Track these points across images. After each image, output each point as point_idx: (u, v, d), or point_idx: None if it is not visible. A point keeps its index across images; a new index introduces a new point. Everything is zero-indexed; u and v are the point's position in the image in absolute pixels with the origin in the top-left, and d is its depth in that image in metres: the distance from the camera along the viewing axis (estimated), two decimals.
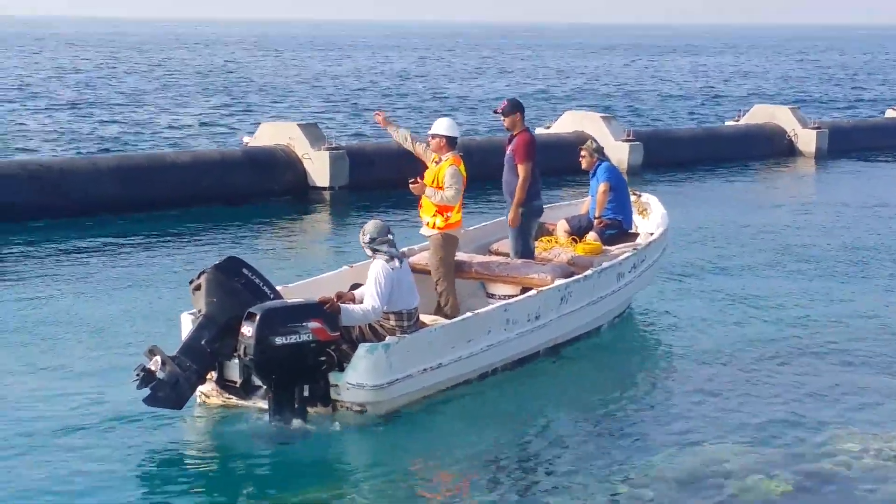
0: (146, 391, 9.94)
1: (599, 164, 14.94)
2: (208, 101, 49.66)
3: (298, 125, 23.96)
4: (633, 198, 15.52)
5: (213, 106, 47.09)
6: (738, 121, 34.18)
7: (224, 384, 10.40)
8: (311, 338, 9.98)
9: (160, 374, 9.92)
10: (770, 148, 32.32)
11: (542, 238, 14.59)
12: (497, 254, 14.18)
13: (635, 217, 15.42)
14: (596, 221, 14.73)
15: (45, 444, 9.79)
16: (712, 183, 27.44)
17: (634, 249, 13.95)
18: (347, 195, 23.16)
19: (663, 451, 9.94)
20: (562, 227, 14.90)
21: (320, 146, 23.28)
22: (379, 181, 23.28)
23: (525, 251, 13.54)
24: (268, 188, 22.85)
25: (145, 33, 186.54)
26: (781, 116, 33.38)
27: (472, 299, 13.23)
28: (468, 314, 11.48)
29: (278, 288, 11.03)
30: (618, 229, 14.73)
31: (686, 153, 30.02)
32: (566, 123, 29.24)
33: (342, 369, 10.27)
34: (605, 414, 10.98)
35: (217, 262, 10.57)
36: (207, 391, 10.58)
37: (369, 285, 10.67)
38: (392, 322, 10.75)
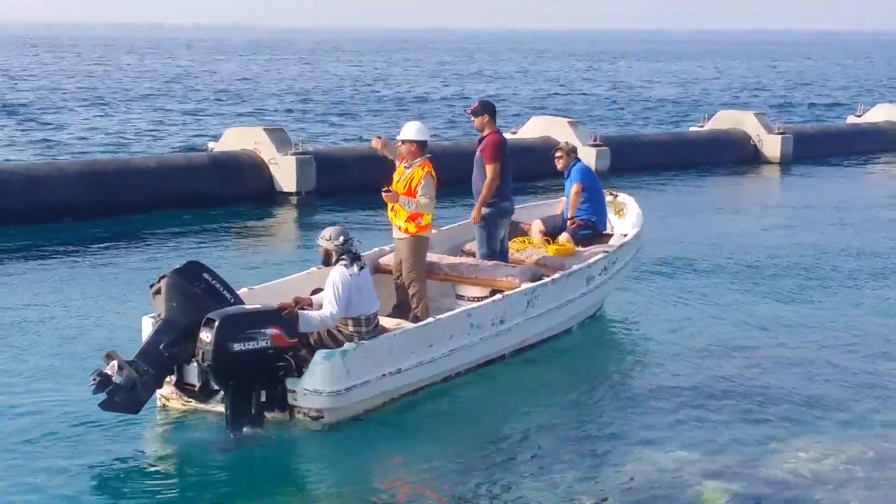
0: (103, 396, 9.90)
1: (574, 165, 15.00)
2: (171, 105, 49.43)
3: (265, 130, 23.86)
4: (609, 198, 15.60)
5: (176, 110, 46.89)
6: (702, 126, 34.26)
7: (183, 388, 10.42)
8: (269, 344, 9.98)
9: (116, 379, 9.89)
10: (735, 153, 32.42)
11: (517, 238, 14.63)
12: (469, 254, 14.24)
13: (612, 217, 15.49)
14: (569, 222, 14.79)
15: (5, 449, 9.74)
16: (679, 188, 27.53)
17: (605, 252, 13.96)
18: (314, 200, 23.05)
19: (620, 457, 9.95)
20: (536, 227, 14.95)
21: (287, 151, 23.17)
22: (346, 186, 23.24)
23: (491, 252, 13.51)
24: (234, 193, 22.72)
25: (103, 36, 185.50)
26: (746, 122, 33.44)
27: (443, 299, 13.28)
28: (430, 319, 11.54)
29: (243, 290, 11.02)
30: (591, 230, 14.80)
31: (652, 158, 30.11)
32: (533, 128, 29.26)
33: (300, 375, 10.26)
34: (565, 419, 11.00)
35: (177, 267, 10.54)
36: (167, 395, 10.58)
37: (328, 291, 10.72)
38: (350, 328, 10.77)
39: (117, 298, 14.83)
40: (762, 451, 10.13)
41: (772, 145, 32.69)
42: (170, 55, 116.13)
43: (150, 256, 17.66)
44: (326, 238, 10.92)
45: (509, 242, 14.28)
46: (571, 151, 15.17)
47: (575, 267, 13.37)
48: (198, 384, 10.24)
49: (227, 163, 23.08)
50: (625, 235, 14.88)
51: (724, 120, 34.00)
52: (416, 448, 10.18)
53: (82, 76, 70.72)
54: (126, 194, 21.29)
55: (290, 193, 23.00)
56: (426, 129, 12.82)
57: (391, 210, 12.66)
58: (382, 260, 13.45)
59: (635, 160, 29.42)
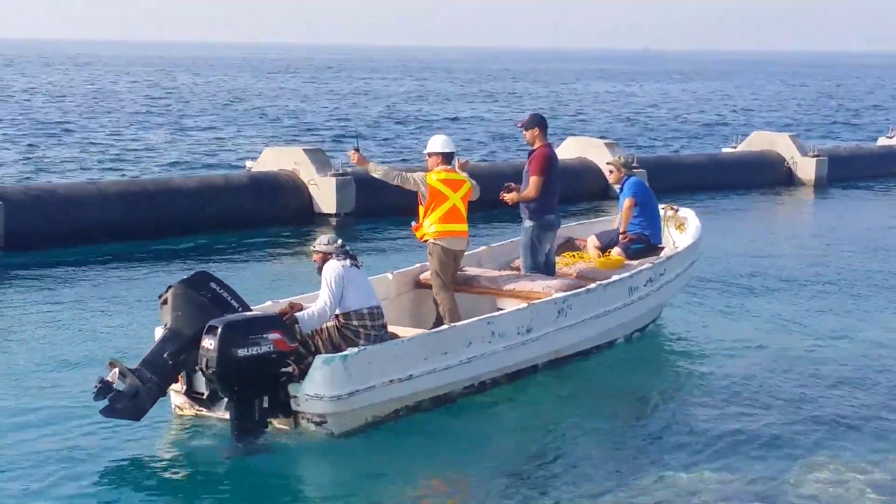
0: (104, 403, 10.00)
1: (627, 179, 14.92)
2: (211, 124, 49.46)
3: (304, 150, 23.77)
4: (670, 213, 15.51)
5: (215, 130, 46.92)
6: (735, 147, 34.10)
7: (192, 396, 10.48)
8: (272, 349, 10.01)
9: (119, 386, 9.99)
10: (770, 175, 32.21)
11: (568, 253, 14.61)
12: (516, 269, 14.15)
13: (673, 232, 15.39)
14: (621, 236, 14.69)
15: (28, 450, 9.96)
16: (716, 209, 27.27)
17: (651, 263, 13.83)
18: (353, 221, 22.95)
19: (639, 476, 9.77)
20: (592, 242, 14.93)
21: (326, 172, 23.07)
22: (385, 207, 23.10)
23: (535, 265, 13.54)
24: (273, 214, 22.66)
25: (138, 56, 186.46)
26: (780, 144, 33.25)
27: (483, 313, 13.16)
28: (444, 326, 11.50)
29: (267, 304, 11.11)
30: (644, 244, 14.71)
31: (687, 179, 29.90)
32: (569, 149, 29.12)
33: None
34: (589, 432, 10.86)
35: (185, 277, 10.65)
36: (180, 403, 10.64)
37: (322, 286, 10.82)
38: (355, 322, 10.78)
39: (154, 318, 14.76)
40: (799, 476, 9.91)
41: (806, 167, 32.46)
42: (196, 73, 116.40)
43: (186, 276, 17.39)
44: (324, 243, 11.00)
45: (561, 256, 14.44)
46: (624, 165, 15.15)
47: (615, 277, 13.26)
48: (206, 392, 10.29)
49: (266, 183, 23.00)
50: (676, 248, 14.80)
51: (758, 142, 33.80)
52: (418, 459, 10.16)
53: (110, 93, 70.85)
54: (165, 214, 21.22)
55: (330, 215, 22.89)
56: (451, 142, 13.04)
57: (453, 218, 12.77)
58: (423, 276, 13.47)
59: (671, 181, 29.20)
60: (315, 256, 11.04)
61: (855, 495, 9.50)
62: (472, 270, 13.52)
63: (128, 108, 58.35)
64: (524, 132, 13.69)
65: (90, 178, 27.88)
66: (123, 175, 31.39)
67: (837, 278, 18.55)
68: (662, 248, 14.93)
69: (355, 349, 10.43)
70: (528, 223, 13.52)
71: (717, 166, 31.97)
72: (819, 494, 9.54)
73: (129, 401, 9.99)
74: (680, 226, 15.63)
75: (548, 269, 13.59)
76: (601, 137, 33.54)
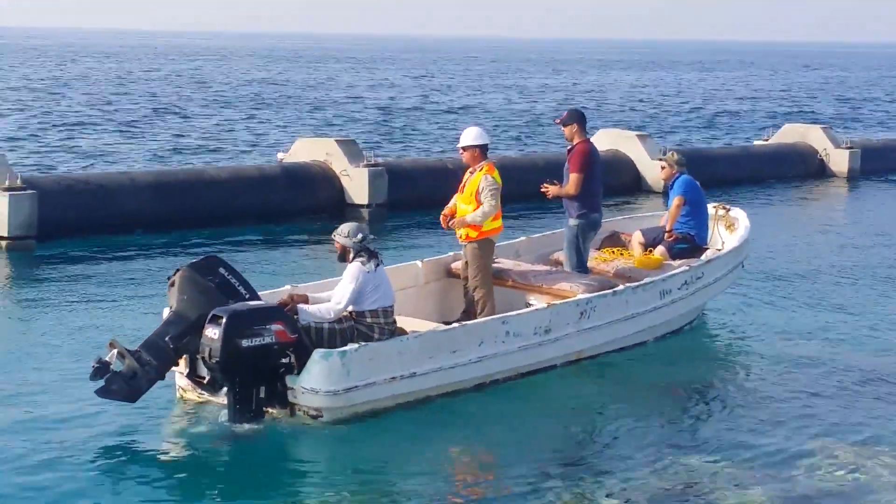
0: (101, 383, 10.00)
1: (678, 177, 14.69)
2: (242, 114, 49.41)
3: (336, 141, 23.64)
4: (721, 212, 15.27)
5: (246, 119, 46.89)
6: (767, 140, 33.83)
7: (194, 379, 10.48)
8: (274, 340, 10.02)
9: (116, 367, 10.00)
10: (802, 168, 31.95)
11: (607, 249, 14.44)
12: (556, 263, 14.16)
13: (722, 231, 15.15)
14: (666, 235, 14.50)
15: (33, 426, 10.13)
16: (753, 203, 27.02)
17: (689, 266, 13.61)
18: (386, 213, 22.82)
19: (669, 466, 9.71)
20: (636, 238, 14.74)
21: (359, 163, 22.94)
22: (417, 198, 22.95)
23: (580, 262, 13.47)
24: (305, 205, 22.52)
25: (167, 44, 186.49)
26: (812, 136, 32.96)
27: (514, 308, 13.05)
28: (454, 325, 11.37)
29: (266, 292, 11.11)
30: (690, 244, 14.49)
31: (721, 172, 29.62)
32: (600, 142, 28.80)
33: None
34: (590, 432, 10.75)
35: (194, 261, 10.65)
36: (184, 386, 10.68)
37: (340, 285, 10.76)
38: (369, 319, 10.78)
39: None
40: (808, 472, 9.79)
41: (839, 160, 32.18)
42: (217, 62, 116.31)
43: None
44: (344, 234, 10.91)
45: (604, 252, 14.37)
46: (677, 163, 14.83)
47: (646, 280, 13.06)
48: (208, 376, 10.34)
49: (299, 174, 22.86)
50: (718, 251, 14.57)
51: (790, 134, 33.53)
52: (415, 451, 10.10)
53: (139, 84, 70.85)
54: (197, 205, 21.14)
55: (362, 206, 22.72)
56: (485, 134, 12.84)
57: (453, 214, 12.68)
58: (454, 265, 13.37)
59: (704, 174, 28.82)
60: (336, 244, 11.02)
61: None
62: (505, 263, 13.40)
63: (163, 96, 58.31)
64: (563, 128, 13.58)
65: (121, 169, 27.78)
66: (162, 160, 31.51)
67: (881, 269, 18.38)
68: (707, 249, 14.67)
69: (356, 345, 10.37)
70: (573, 221, 13.43)
71: (750, 159, 31.67)
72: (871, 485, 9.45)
73: (126, 382, 9.99)
74: (730, 226, 15.29)
75: (576, 269, 13.50)
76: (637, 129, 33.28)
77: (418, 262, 13.52)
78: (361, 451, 9.96)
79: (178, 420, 10.48)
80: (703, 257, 14.20)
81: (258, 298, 10.53)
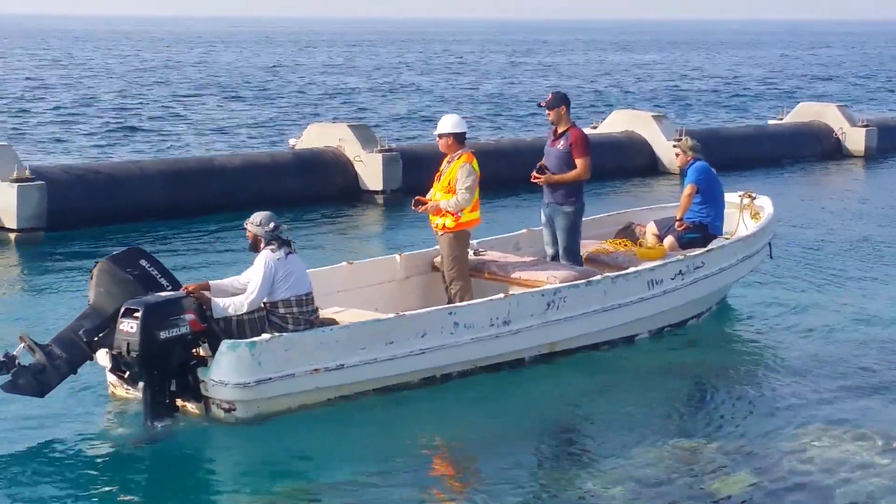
0: (7, 378, 9.79)
1: (692, 164, 14.20)
2: (250, 101, 49.03)
3: (349, 126, 23.27)
4: (746, 200, 14.78)
5: (255, 107, 46.51)
6: (781, 119, 33.41)
7: (117, 374, 10.30)
8: (188, 330, 9.90)
9: (24, 361, 9.82)
10: (818, 147, 31.52)
11: (612, 241, 14.04)
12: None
13: (747, 220, 14.65)
14: (676, 224, 14.02)
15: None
16: (769, 184, 26.63)
17: (683, 255, 13.15)
18: (401, 198, 22.42)
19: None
20: (650, 229, 14.33)
21: (372, 148, 22.55)
22: (432, 184, 22.50)
23: (578, 249, 13.14)
24: (318, 192, 22.17)
25: (169, 31, 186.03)
26: (828, 114, 32.51)
27: None
28: (389, 315, 10.96)
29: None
30: (702, 233, 13.95)
31: (737, 152, 29.20)
32: (615, 123, 28.50)
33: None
34: (546, 433, 10.42)
35: (114, 252, 10.47)
36: (113, 381, 10.49)
37: (252, 277, 10.44)
38: (281, 310, 10.44)
39: None
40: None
41: (855, 138, 31.73)
42: (224, 48, 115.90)
43: (234, 257, 16.98)
44: (256, 223, 10.60)
45: (609, 243, 13.98)
46: (691, 149, 14.26)
47: (631, 269, 12.61)
48: (126, 371, 10.13)
49: (311, 160, 22.52)
50: (726, 238, 14.09)
51: (805, 112, 33.08)
52: (341, 450, 9.79)
53: (143, 71, 70.50)
54: (208, 193, 20.80)
55: (376, 192, 22.35)
56: (463, 122, 12.57)
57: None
58: (436, 259, 12.95)
59: (720, 155, 28.43)
60: (247, 233, 10.70)
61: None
62: (489, 255, 13.06)
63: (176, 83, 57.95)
64: (549, 112, 13.11)
65: (131, 158, 27.47)
66: (169, 148, 31.19)
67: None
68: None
69: (268, 335, 10.09)
70: (567, 208, 13.02)
71: (765, 138, 31.25)
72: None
73: (33, 377, 9.80)
74: (755, 214, 14.74)
75: (574, 257, 13.16)
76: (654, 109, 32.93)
77: (396, 256, 13.16)
78: (295, 450, 9.71)
79: (97, 418, 10.28)
80: (711, 246, 13.67)
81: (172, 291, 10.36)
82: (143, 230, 19.13)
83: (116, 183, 19.88)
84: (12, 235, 18.05)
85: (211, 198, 20.72)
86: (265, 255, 10.46)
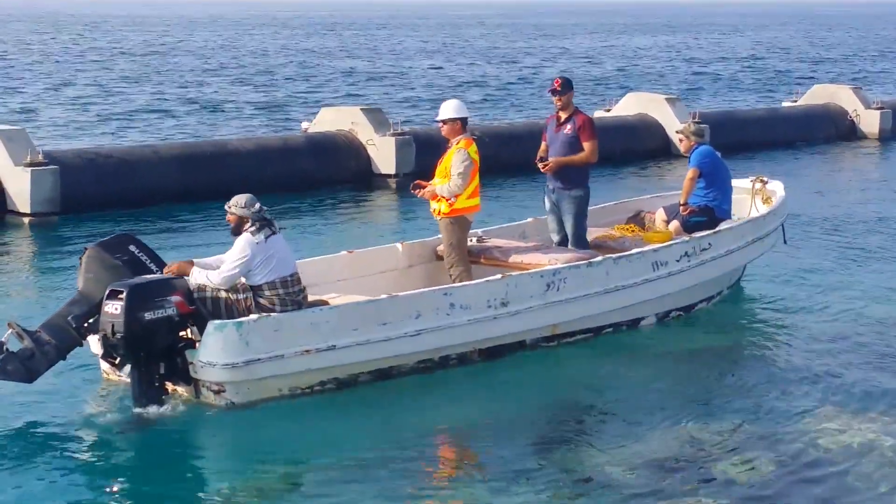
0: None
1: (696, 148, 14.14)
2: (262, 85, 49.02)
3: (362, 109, 23.24)
4: (758, 185, 14.73)
5: (270, 90, 46.49)
6: (795, 101, 33.27)
7: (108, 360, 10.24)
8: (175, 311, 9.84)
9: (12, 347, 9.84)
10: (832, 129, 31.38)
11: (620, 226, 13.99)
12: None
13: (759, 205, 14.61)
14: (681, 208, 13.96)
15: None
16: (783, 166, 26.55)
17: (689, 237, 13.09)
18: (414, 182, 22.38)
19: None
20: (660, 216, 14.30)
21: (385, 132, 22.51)
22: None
23: (584, 236, 13.13)
24: (331, 175, 22.15)
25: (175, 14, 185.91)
26: (843, 96, 32.35)
27: None
28: (383, 296, 10.82)
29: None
30: (708, 217, 13.84)
31: (752, 135, 29.10)
32: (628, 106, 28.39)
33: None
34: (552, 419, 10.32)
35: (104, 239, 10.46)
36: (107, 368, 10.47)
37: (231, 256, 10.30)
38: (267, 292, 10.28)
39: None
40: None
41: (870, 120, 31.58)
42: (233, 32, 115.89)
43: None
44: (240, 205, 10.43)
45: (620, 228, 13.92)
46: (694, 133, 14.18)
47: (635, 250, 12.55)
48: (117, 356, 10.06)
49: (324, 144, 22.48)
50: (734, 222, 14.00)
51: (819, 95, 32.92)
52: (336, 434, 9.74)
53: (156, 55, 70.49)
54: (221, 177, 20.68)
55: (389, 175, 22.31)
56: (464, 107, 12.55)
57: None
58: (440, 247, 12.86)
59: (734, 137, 28.39)
60: (229, 217, 10.53)
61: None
62: (493, 241, 12.99)
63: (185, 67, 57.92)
64: (557, 98, 13.15)
65: (144, 143, 27.47)
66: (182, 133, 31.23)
67: None
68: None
69: (255, 315, 10.02)
70: (576, 192, 13.05)
71: (779, 121, 31.12)
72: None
73: (21, 363, 9.81)
74: (767, 199, 14.69)
75: (582, 242, 13.14)
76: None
77: (398, 245, 13.09)
78: (289, 436, 9.67)
79: (87, 403, 10.27)
80: (720, 227, 13.60)
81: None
82: (156, 214, 19.16)
83: (130, 167, 19.90)
84: (26, 220, 18.09)
85: (224, 182, 20.55)
86: (244, 239, 10.31)
